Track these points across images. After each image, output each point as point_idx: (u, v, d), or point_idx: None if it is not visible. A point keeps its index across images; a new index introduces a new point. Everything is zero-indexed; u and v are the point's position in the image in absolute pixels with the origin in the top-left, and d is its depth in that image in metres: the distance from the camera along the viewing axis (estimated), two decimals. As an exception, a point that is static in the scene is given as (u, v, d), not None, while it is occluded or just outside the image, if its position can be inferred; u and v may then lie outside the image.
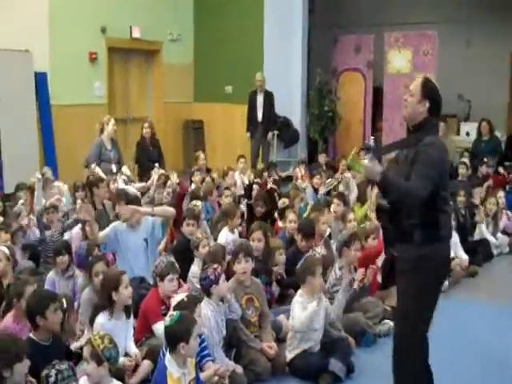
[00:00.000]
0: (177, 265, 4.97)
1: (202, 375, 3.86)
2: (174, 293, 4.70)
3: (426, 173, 3.49)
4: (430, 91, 3.71)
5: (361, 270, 5.49)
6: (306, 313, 4.60)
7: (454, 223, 7.24)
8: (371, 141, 3.97)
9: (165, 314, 4.64)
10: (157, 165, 8.88)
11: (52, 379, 3.07)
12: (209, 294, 4.47)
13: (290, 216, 6.63)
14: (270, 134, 12.06)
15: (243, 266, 4.86)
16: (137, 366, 4.33)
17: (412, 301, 3.67)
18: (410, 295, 3.68)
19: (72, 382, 3.14)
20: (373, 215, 7.00)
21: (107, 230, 5.73)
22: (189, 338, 3.58)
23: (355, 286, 5.38)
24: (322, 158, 11.11)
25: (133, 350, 4.44)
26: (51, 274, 5.39)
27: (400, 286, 3.81)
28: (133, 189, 7.16)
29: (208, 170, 9.81)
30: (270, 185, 8.58)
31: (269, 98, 12.06)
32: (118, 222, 5.77)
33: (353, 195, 8.40)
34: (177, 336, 3.59)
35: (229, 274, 4.96)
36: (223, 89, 13.49)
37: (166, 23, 13.13)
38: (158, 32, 12.90)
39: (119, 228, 5.70)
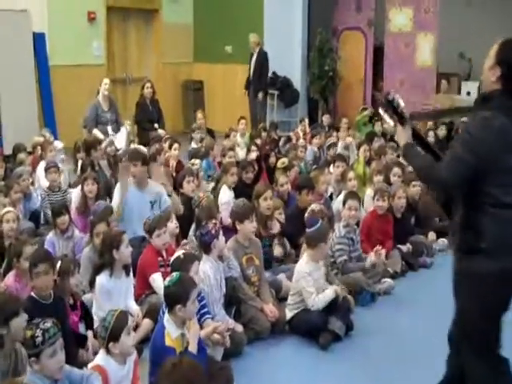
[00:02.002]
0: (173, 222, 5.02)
1: (201, 333, 3.88)
2: (164, 247, 4.82)
3: (459, 155, 2.83)
4: (504, 56, 2.92)
5: (372, 254, 5.47)
6: (320, 297, 4.61)
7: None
8: (396, 101, 3.27)
9: (162, 266, 4.72)
10: (156, 125, 8.85)
11: (39, 339, 3.05)
12: (208, 251, 4.46)
13: (281, 179, 6.62)
14: (259, 95, 11.86)
15: (254, 225, 4.91)
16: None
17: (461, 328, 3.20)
18: (462, 316, 3.20)
19: (59, 337, 3.15)
20: (376, 178, 6.99)
21: (118, 198, 5.71)
22: (186, 301, 3.56)
23: (367, 265, 5.44)
24: (326, 119, 11.01)
25: (133, 308, 4.48)
26: (51, 235, 5.42)
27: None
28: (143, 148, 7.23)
29: (209, 131, 9.77)
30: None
31: (260, 57, 11.94)
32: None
33: (353, 155, 8.39)
34: (174, 298, 3.58)
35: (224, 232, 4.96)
36: (223, 49, 13.35)
37: (164, -18, 12.95)
38: (157, -9, 12.74)
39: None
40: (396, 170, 7.09)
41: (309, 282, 4.62)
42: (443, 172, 2.86)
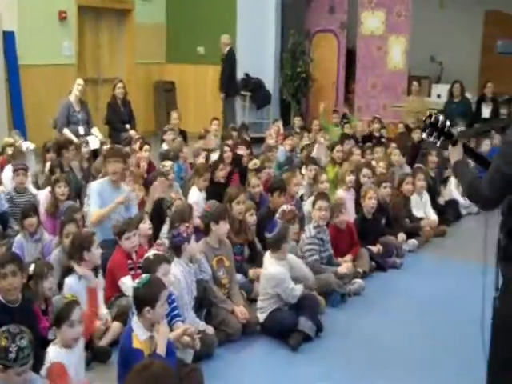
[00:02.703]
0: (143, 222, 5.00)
1: (171, 335, 3.86)
2: (134, 249, 4.79)
3: (497, 168, 2.74)
4: None
5: (345, 265, 5.59)
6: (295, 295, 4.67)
7: (423, 183, 7.34)
8: (441, 121, 3.22)
9: (131, 269, 4.69)
10: (128, 126, 8.78)
11: (12, 355, 2.99)
12: (179, 253, 4.44)
13: (253, 180, 6.62)
14: (221, 95, 12.05)
15: (228, 226, 4.93)
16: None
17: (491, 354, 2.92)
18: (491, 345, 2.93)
19: (31, 359, 3.09)
20: (349, 178, 7.03)
21: (95, 200, 5.64)
22: (155, 303, 3.54)
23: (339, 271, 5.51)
24: (297, 121, 11.05)
25: (102, 311, 4.45)
26: (19, 237, 5.34)
27: None
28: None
29: (182, 132, 9.70)
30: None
31: (228, 58, 12.09)
32: (96, 182, 5.76)
33: (323, 156, 8.44)
34: (143, 299, 3.55)
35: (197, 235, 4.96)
36: (195, 49, 13.31)
37: (137, -18, 12.87)
38: (130, -9, 12.66)
39: (103, 186, 5.67)
40: (366, 171, 7.16)
41: (287, 282, 4.66)
42: (484, 189, 2.79)
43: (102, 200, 5.60)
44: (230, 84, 12.12)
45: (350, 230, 6.08)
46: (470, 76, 13.18)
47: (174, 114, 9.85)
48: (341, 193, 6.91)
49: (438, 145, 3.20)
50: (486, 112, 10.78)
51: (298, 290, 4.69)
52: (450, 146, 3.17)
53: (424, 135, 3.31)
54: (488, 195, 2.78)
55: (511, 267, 2.81)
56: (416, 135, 9.80)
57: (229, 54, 12.12)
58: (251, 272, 5.41)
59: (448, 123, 3.19)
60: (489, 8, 13.89)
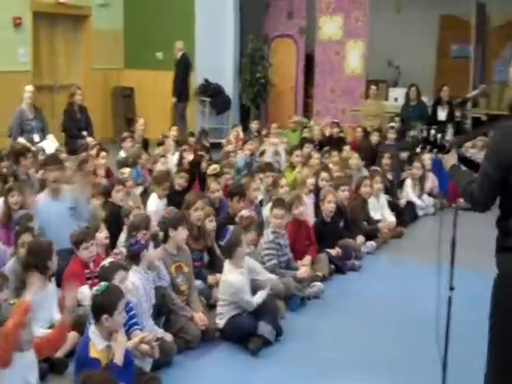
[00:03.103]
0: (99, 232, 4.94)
1: (129, 343, 3.82)
2: (92, 259, 4.73)
3: (485, 171, 2.85)
4: None
5: (303, 269, 5.63)
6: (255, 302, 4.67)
7: (380, 186, 7.43)
8: (434, 135, 3.33)
9: (89, 278, 4.63)
10: (85, 133, 8.69)
11: None
12: (137, 261, 4.41)
13: (213, 186, 6.61)
14: (173, 100, 12.13)
15: (186, 232, 4.91)
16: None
17: (490, 334, 3.01)
18: (490, 325, 3.02)
19: None
20: (309, 181, 7.08)
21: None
22: (113, 311, 3.52)
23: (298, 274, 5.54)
24: (254, 125, 11.09)
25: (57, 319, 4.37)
26: (-27, 248, 5.22)
27: None
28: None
29: (144, 140, 9.59)
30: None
31: (181, 63, 12.18)
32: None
33: (282, 161, 8.48)
34: (101, 307, 3.53)
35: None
36: (154, 55, 13.24)
37: (93, -13, 12.75)
38: (86, -4, 12.53)
39: (40, 200, 5.57)
40: (324, 174, 7.21)
41: (244, 292, 4.65)
42: (476, 193, 2.88)
43: (42, 215, 5.48)
44: (182, 89, 12.12)
45: (307, 230, 6.13)
46: (426, 80, 13.40)
47: (140, 121, 9.75)
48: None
49: (431, 156, 3.30)
50: (442, 115, 10.96)
51: (256, 300, 4.67)
52: (444, 155, 3.26)
53: (425, 156, 3.44)
54: (480, 199, 2.87)
55: (502, 259, 2.92)
56: (374, 138, 9.94)
57: (181, 59, 12.13)
58: (210, 278, 5.39)
59: (439, 135, 3.30)
60: (443, 12, 14.16)
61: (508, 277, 2.88)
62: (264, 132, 10.69)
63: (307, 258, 5.88)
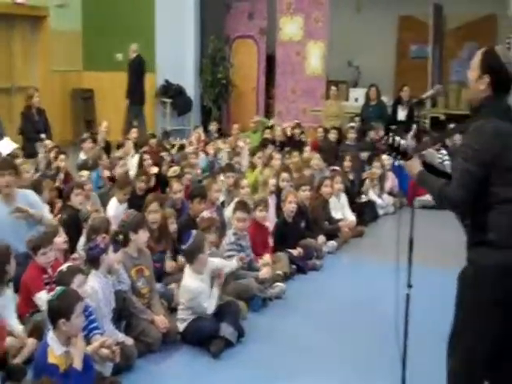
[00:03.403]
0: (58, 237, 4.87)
1: (88, 348, 3.78)
2: (50, 264, 4.65)
3: (466, 170, 2.91)
4: (490, 64, 3.02)
5: (265, 270, 5.62)
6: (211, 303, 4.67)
7: (341, 186, 7.48)
8: (397, 142, 3.35)
9: (47, 283, 4.56)
10: (43, 136, 8.55)
11: None
12: (96, 265, 4.37)
13: (175, 186, 6.58)
14: (127, 101, 12.14)
15: (147, 235, 4.88)
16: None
17: (460, 324, 3.09)
18: (458, 314, 3.10)
19: None
20: (271, 181, 7.11)
21: None
22: (70, 315, 3.47)
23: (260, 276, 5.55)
24: (213, 126, 11.07)
25: (16, 327, 4.29)
26: None
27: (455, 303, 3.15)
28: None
29: (106, 142, 9.48)
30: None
31: (135, 64, 12.16)
32: None
33: (244, 162, 8.48)
34: (58, 312, 3.48)
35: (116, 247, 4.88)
36: (113, 56, 13.12)
37: (51, -13, 12.58)
38: (44, -3, 12.35)
39: None
40: (284, 175, 7.24)
41: (202, 298, 4.63)
42: (456, 191, 2.93)
43: None
44: (136, 91, 12.05)
45: (266, 234, 6.18)
46: (385, 80, 13.58)
47: (104, 123, 9.64)
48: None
49: (396, 163, 3.32)
50: (402, 115, 11.10)
51: (209, 308, 4.66)
52: (407, 162, 3.28)
53: (384, 156, 3.47)
54: (462, 198, 2.93)
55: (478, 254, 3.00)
56: (332, 136, 10.02)
57: (135, 60, 12.09)
58: (168, 264, 5.42)
59: (403, 142, 3.32)
60: (402, 13, 14.36)
61: (487, 272, 2.94)
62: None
63: (267, 257, 5.86)
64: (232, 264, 5.04)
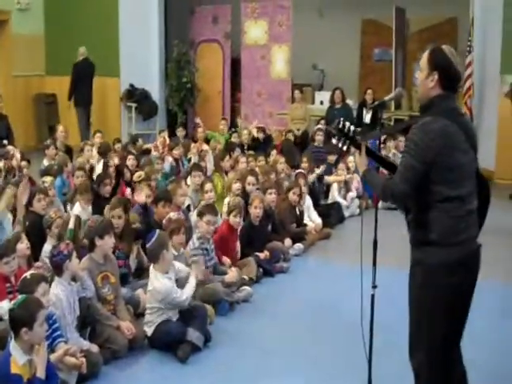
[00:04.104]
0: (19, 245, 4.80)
1: (52, 357, 3.73)
2: (13, 273, 4.57)
3: (409, 164, 2.99)
4: (438, 61, 3.09)
5: (231, 274, 5.66)
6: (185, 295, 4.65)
7: (306, 188, 7.45)
8: (347, 127, 3.37)
9: (10, 292, 4.49)
10: (5, 142, 8.42)
11: None
12: (60, 273, 4.31)
13: (145, 190, 6.53)
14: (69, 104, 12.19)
15: (113, 240, 4.84)
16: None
17: (414, 319, 3.18)
18: (413, 313, 3.19)
19: None
20: (235, 185, 7.10)
21: None
22: (32, 324, 3.42)
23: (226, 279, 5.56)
24: (179, 132, 10.98)
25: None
26: None
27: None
28: None
29: (67, 147, 9.37)
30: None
31: (81, 67, 12.18)
32: None
33: (210, 166, 8.46)
34: (20, 321, 3.42)
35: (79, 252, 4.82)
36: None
37: (12, -9, 12.42)
38: (5, 1, 12.19)
39: None
40: (250, 178, 7.23)
41: (173, 293, 4.61)
42: (399, 185, 3.01)
43: None
44: (79, 94, 12.06)
45: (236, 235, 6.20)
46: (350, 83, 13.70)
47: (60, 128, 9.54)
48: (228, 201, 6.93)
49: (345, 149, 3.39)
50: (367, 117, 11.20)
51: (185, 293, 4.65)
52: (356, 156, 3.37)
53: (334, 141, 3.44)
54: (405, 190, 3.00)
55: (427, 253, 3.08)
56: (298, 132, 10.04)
57: (80, 63, 12.15)
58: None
59: (352, 128, 3.37)
60: (365, 17, 14.50)
61: (433, 270, 3.03)
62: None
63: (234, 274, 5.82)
64: (191, 281, 4.86)
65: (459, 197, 3.01)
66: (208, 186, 6.94)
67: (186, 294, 4.66)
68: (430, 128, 2.98)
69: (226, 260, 5.94)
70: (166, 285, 4.62)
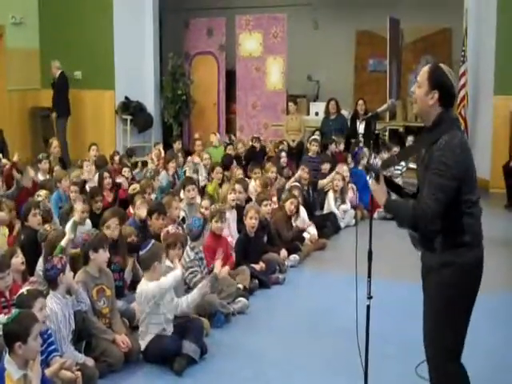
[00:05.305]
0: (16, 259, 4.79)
1: (47, 371, 3.71)
2: (8, 288, 4.55)
3: (440, 185, 3.07)
4: (438, 80, 3.18)
5: (223, 270, 5.70)
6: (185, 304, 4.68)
7: (300, 199, 7.46)
8: (374, 161, 3.60)
9: (5, 307, 4.47)
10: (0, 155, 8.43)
11: None
12: (55, 287, 4.31)
13: (139, 202, 6.53)
14: (53, 115, 12.36)
15: (107, 255, 4.83)
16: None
17: (435, 318, 3.25)
18: (434, 311, 3.26)
19: None
20: (230, 196, 7.10)
21: None
22: (27, 338, 3.40)
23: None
24: (176, 145, 10.90)
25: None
26: None
27: (424, 300, 3.34)
28: None
29: (61, 161, 9.39)
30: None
31: (60, 81, 12.40)
32: None
33: (201, 178, 8.48)
34: (13, 335, 3.41)
35: (74, 266, 4.82)
36: (72, 74, 12.97)
37: (7, 5, 12.41)
38: (-1, 15, 12.20)
39: None
40: (237, 186, 7.25)
41: (167, 292, 4.62)
42: (432, 206, 3.07)
43: None
44: (61, 105, 12.30)
45: (225, 244, 6.20)
46: (345, 94, 13.76)
47: (54, 142, 9.55)
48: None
49: (370, 182, 3.40)
50: (361, 127, 11.25)
51: (187, 301, 4.70)
52: (373, 185, 3.36)
53: (345, 168, 3.65)
54: (438, 211, 3.08)
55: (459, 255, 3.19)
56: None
57: (60, 77, 12.32)
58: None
59: (378, 163, 3.59)
60: (360, 28, 14.57)
61: (468, 267, 3.17)
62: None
63: (225, 268, 5.90)
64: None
65: (478, 200, 3.22)
66: (205, 203, 6.91)
67: (183, 303, 4.68)
68: (454, 144, 3.09)
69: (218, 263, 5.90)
70: (155, 285, 4.60)
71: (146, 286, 4.63)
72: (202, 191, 8.14)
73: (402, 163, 9.39)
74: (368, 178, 3.44)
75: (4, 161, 8.80)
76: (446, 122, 3.17)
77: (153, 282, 4.61)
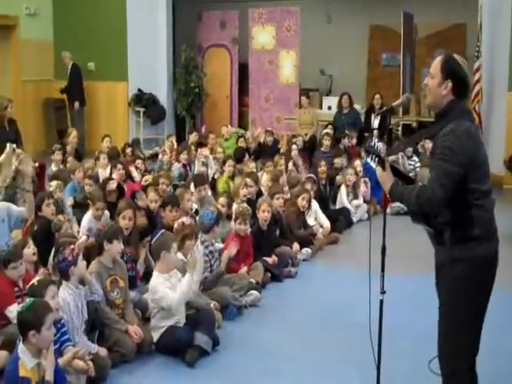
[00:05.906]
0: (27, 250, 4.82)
1: (60, 360, 3.74)
2: (21, 278, 4.57)
3: (446, 170, 3.03)
4: (451, 69, 3.15)
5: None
6: (178, 292, 4.60)
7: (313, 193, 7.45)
8: (376, 145, 3.45)
9: (18, 296, 4.50)
10: (14, 145, 8.41)
11: None
12: (67, 278, 4.32)
13: (151, 195, 6.53)
14: (76, 104, 12.36)
15: (121, 246, 4.86)
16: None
17: (448, 314, 3.21)
18: (447, 306, 3.22)
19: None
20: (242, 191, 7.09)
21: None
22: (40, 327, 3.42)
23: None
24: (193, 137, 10.87)
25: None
26: None
27: (438, 296, 3.31)
28: None
29: (77, 152, 9.37)
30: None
31: (73, 71, 12.50)
32: None
33: (210, 171, 8.49)
34: (28, 324, 3.43)
35: (89, 257, 4.84)
36: (85, 65, 13.01)
37: (21, -3, 12.45)
38: (14, 6, 12.21)
39: None
40: (248, 180, 7.23)
41: (165, 286, 4.60)
42: (436, 192, 3.02)
43: None
44: (78, 94, 12.41)
45: (249, 243, 6.19)
46: (358, 88, 13.70)
47: (73, 132, 9.51)
48: (236, 207, 6.91)
49: (374, 166, 3.38)
50: (375, 122, 11.19)
51: (178, 291, 4.61)
52: (379, 172, 3.33)
53: (357, 162, 3.57)
54: (443, 197, 3.02)
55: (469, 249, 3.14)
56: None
57: (73, 67, 12.41)
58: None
59: (379, 146, 3.46)
60: (373, 22, 14.51)
61: (480, 262, 3.11)
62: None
63: (244, 269, 5.93)
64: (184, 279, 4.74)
65: (489, 191, 3.15)
66: (222, 200, 6.89)
67: (178, 292, 4.60)
68: (460, 131, 3.05)
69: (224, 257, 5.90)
70: (157, 282, 4.63)
71: (152, 281, 4.64)
72: (213, 184, 8.11)
73: (415, 159, 9.36)
74: (369, 160, 3.43)
75: (18, 151, 8.82)
76: (454, 110, 3.14)
77: (157, 284, 4.61)
